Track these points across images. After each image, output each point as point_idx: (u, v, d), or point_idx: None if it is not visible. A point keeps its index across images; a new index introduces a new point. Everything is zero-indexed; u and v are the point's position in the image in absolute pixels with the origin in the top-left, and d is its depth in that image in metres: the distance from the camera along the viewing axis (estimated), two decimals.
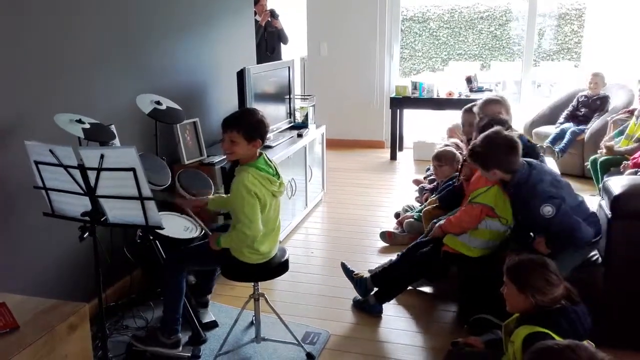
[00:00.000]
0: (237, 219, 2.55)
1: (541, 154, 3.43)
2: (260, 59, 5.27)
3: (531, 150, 3.32)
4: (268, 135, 2.73)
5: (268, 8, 6.36)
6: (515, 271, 2.06)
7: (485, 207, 2.83)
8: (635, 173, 3.88)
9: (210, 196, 2.93)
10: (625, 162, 4.20)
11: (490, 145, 2.62)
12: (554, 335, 1.87)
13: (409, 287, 3.27)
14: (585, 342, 1.88)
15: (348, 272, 3.28)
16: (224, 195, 2.98)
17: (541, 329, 1.91)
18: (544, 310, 1.98)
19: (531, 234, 2.70)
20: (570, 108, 5.77)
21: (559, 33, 11.07)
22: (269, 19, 6.35)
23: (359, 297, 3.20)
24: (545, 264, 2.03)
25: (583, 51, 7.99)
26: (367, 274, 3.24)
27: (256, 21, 6.26)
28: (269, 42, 6.42)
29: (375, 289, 3.15)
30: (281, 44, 6.62)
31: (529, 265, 2.04)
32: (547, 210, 2.50)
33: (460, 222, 2.90)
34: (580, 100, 5.74)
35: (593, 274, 2.62)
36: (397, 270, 3.13)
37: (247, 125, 2.53)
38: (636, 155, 4.17)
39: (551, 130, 5.74)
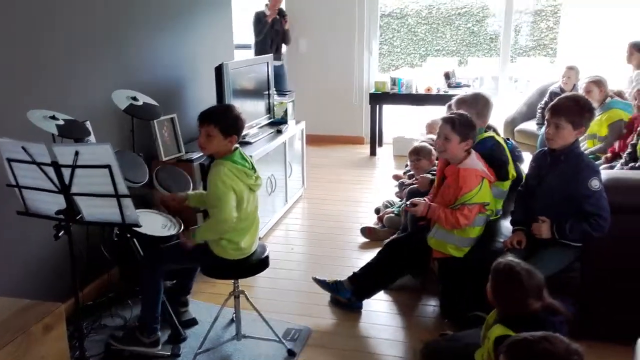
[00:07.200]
0: (211, 208, 2.51)
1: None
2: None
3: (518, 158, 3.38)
4: (246, 132, 2.70)
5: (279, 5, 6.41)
6: (498, 275, 2.07)
7: (481, 206, 2.82)
8: (612, 167, 3.94)
9: (190, 192, 2.88)
10: (605, 155, 4.23)
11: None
12: None
13: (392, 286, 3.26)
14: None
15: (322, 283, 3.22)
16: (204, 192, 2.91)
17: (513, 333, 1.91)
18: (520, 315, 1.99)
19: (540, 218, 2.61)
20: (542, 104, 5.56)
21: (535, 29, 11.21)
22: (277, 17, 6.36)
23: (343, 299, 3.15)
24: (530, 273, 2.02)
25: (559, 47, 8.09)
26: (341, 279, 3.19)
27: (263, 15, 6.23)
28: (275, 40, 6.44)
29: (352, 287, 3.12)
30: (283, 44, 6.64)
31: (510, 275, 2.02)
32: (595, 183, 2.46)
33: (456, 223, 2.78)
34: (553, 95, 5.40)
35: (570, 269, 2.64)
36: (376, 269, 3.12)
37: (225, 120, 2.50)
38: (614, 145, 4.21)
39: (533, 126, 5.70)
